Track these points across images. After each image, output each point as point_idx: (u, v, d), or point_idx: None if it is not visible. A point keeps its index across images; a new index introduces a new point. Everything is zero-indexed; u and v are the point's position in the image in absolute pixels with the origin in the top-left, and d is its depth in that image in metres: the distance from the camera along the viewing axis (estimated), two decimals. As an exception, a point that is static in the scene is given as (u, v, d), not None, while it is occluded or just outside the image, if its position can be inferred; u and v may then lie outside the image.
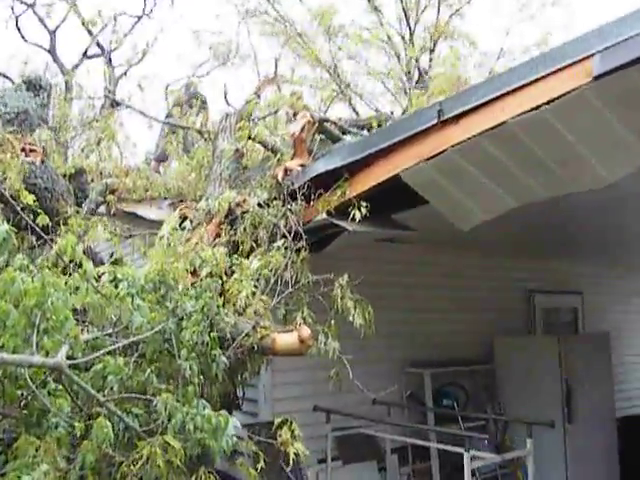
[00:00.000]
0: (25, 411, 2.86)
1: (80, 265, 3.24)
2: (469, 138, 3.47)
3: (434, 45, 15.07)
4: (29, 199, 3.98)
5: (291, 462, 3.25)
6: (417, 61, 14.44)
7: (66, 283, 3.03)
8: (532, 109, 3.16)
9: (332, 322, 3.65)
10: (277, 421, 3.30)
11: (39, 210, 4.00)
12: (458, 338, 6.88)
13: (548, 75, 3.09)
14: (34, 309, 2.75)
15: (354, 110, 14.73)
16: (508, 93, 3.25)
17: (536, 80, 3.13)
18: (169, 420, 2.77)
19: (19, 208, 3.99)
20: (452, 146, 3.58)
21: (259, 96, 7.25)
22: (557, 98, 3.08)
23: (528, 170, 3.69)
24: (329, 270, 3.92)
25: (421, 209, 4.23)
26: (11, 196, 4.06)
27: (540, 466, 5.12)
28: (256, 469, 3.18)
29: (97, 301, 3.11)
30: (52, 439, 2.63)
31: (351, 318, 3.73)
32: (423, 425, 6.28)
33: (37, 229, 3.87)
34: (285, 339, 3.50)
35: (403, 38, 15.30)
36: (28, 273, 2.89)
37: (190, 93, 8.91)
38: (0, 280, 2.74)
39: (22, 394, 2.88)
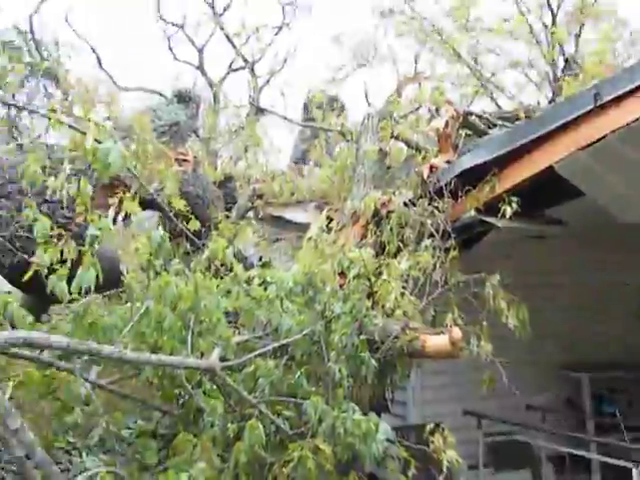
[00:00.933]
0: (182, 410, 2.98)
1: (231, 269, 3.33)
2: (633, 121, 3.17)
3: (580, 29, 14.15)
4: (180, 204, 4.15)
5: (443, 469, 3.13)
6: (562, 47, 13.63)
7: (218, 286, 3.13)
8: None
9: (484, 323, 3.49)
10: (429, 427, 3.20)
11: (191, 216, 4.17)
12: (617, 339, 6.39)
13: None
14: (188, 312, 2.86)
15: (496, 104, 14.21)
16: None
17: None
18: (319, 423, 2.75)
19: (173, 215, 4.18)
20: (612, 131, 3.31)
21: (400, 94, 7.17)
22: None
23: None
24: (475, 269, 3.75)
25: (575, 202, 3.97)
26: (167, 204, 4.26)
27: None
28: (406, 475, 3.10)
29: (247, 304, 3.17)
30: (208, 438, 2.70)
31: (504, 319, 3.56)
32: (582, 434, 5.88)
33: (190, 235, 4.03)
34: (436, 341, 3.38)
35: (545, 25, 14.51)
36: (183, 278, 3.01)
37: (329, 97, 9.01)
38: (157, 284, 2.87)
39: (179, 393, 3.00)
